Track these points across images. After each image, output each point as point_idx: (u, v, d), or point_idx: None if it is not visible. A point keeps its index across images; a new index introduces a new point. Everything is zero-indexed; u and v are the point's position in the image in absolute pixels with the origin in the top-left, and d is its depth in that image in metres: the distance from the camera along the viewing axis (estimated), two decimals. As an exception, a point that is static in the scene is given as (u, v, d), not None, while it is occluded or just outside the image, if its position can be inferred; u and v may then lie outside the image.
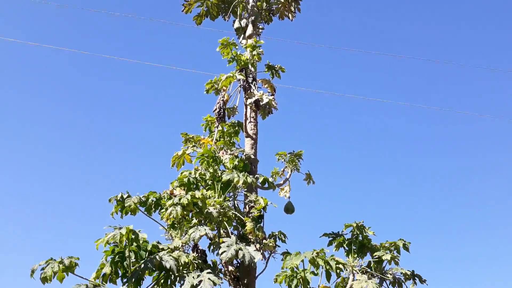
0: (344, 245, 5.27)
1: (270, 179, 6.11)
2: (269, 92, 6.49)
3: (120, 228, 4.03)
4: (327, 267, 4.06)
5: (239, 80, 6.24)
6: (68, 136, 21.39)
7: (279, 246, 5.42)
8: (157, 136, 22.19)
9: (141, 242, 4.30)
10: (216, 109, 6.19)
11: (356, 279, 4.58)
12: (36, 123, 20.83)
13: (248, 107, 6.32)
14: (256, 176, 5.86)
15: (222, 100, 6.21)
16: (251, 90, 6.26)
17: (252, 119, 6.39)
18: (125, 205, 4.82)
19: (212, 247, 5.14)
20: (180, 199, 4.57)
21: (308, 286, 4.03)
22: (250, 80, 6.34)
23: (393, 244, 5.17)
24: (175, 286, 4.74)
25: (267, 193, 5.74)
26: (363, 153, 22.36)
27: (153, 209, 5.47)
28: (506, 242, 19.43)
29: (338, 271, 4.16)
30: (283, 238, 5.56)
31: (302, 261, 3.99)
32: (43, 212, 19.67)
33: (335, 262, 4.04)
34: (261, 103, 6.22)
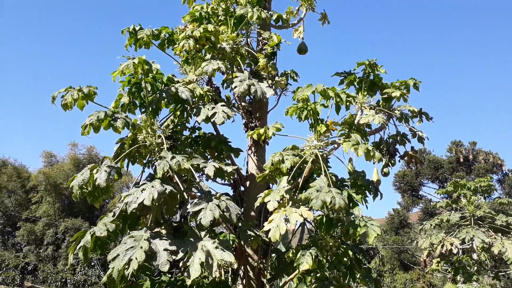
0: (355, 83, 5.34)
1: (284, 16, 5.97)
2: None
3: (133, 58, 4.08)
4: (337, 100, 4.18)
5: None
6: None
7: (290, 85, 5.54)
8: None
9: (155, 73, 4.39)
10: None
11: (364, 114, 4.74)
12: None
13: None
14: (270, 12, 5.71)
15: None
16: None
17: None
18: (138, 38, 4.82)
19: (225, 84, 5.27)
20: (192, 32, 4.54)
21: (318, 118, 4.19)
22: None
23: (403, 82, 5.22)
24: (191, 118, 5.00)
25: (281, 34, 5.66)
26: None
27: (166, 45, 5.49)
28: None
29: (347, 103, 4.30)
30: (295, 77, 5.64)
31: (313, 93, 4.10)
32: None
33: (345, 95, 4.14)
34: None
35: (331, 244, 3.99)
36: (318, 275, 3.78)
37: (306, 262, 3.69)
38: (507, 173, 33.53)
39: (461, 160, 33.81)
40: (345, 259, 4.04)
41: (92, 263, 32.14)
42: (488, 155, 34.05)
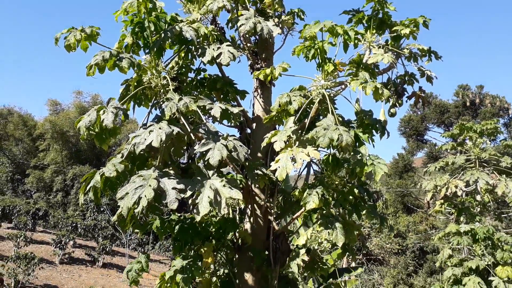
0: (363, 22, 5.20)
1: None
2: None
3: (137, -4, 3.97)
4: (346, 37, 4.08)
5: None
6: None
7: (297, 24, 5.41)
8: None
9: (159, 12, 4.28)
10: None
11: (373, 53, 4.65)
12: None
13: None
14: None
15: None
16: None
17: None
18: (140, -25, 4.65)
19: (230, 24, 5.14)
20: (196, -32, 4.38)
21: (325, 56, 4.11)
22: None
23: (412, 20, 5.07)
24: (196, 59, 4.93)
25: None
26: None
27: (169, -17, 5.32)
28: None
29: (356, 41, 4.20)
30: (302, 16, 5.49)
31: (321, 30, 4.00)
32: None
33: (354, 33, 4.05)
34: None
35: (337, 183, 4.04)
36: (324, 212, 3.85)
37: (312, 201, 3.75)
38: (514, 117, 33.35)
39: (468, 104, 33.56)
40: (350, 197, 4.10)
41: (102, 208, 32.96)
42: (495, 99, 33.74)
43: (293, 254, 4.33)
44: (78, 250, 24.93)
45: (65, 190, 41.70)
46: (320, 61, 4.20)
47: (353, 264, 18.53)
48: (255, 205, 4.63)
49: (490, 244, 9.60)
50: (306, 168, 5.02)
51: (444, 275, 9.54)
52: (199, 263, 4.11)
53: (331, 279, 7.56)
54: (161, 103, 4.15)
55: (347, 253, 4.33)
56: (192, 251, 4.31)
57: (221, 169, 4.53)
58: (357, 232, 3.97)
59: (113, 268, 23.62)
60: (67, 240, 22.61)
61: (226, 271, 4.85)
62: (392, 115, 5.31)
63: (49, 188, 42.46)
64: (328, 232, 3.62)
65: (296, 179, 5.50)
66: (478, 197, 10.97)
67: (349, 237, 3.84)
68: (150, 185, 3.44)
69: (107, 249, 23.91)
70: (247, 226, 4.67)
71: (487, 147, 12.07)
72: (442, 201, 11.34)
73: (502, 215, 14.28)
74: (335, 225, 3.67)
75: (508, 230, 13.49)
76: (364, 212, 4.07)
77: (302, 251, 4.22)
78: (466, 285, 8.94)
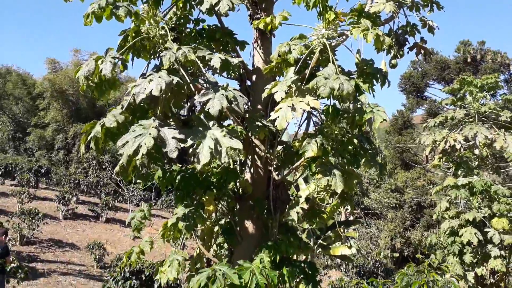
0: (366, -30, 5.07)
1: None
2: None
3: None
4: (347, -16, 4.00)
5: None
6: None
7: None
8: None
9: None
10: None
11: (375, 3, 4.56)
12: None
13: None
14: None
15: None
16: None
17: None
18: None
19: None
20: None
21: (326, 4, 4.04)
22: None
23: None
24: (194, 10, 4.84)
25: None
26: None
27: None
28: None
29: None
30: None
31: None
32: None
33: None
34: None
35: (336, 132, 4.06)
36: (323, 160, 3.89)
37: (311, 149, 3.78)
38: (515, 72, 33.07)
39: (469, 60, 33.16)
40: (350, 147, 4.13)
41: (104, 166, 33.23)
42: (496, 55, 33.31)
43: (293, 202, 4.41)
44: (81, 206, 25.33)
45: (67, 148, 41.91)
46: (321, 9, 4.14)
47: (351, 218, 18.90)
48: (255, 156, 4.67)
49: (487, 197, 9.77)
50: (306, 121, 5.03)
51: (441, 227, 9.76)
52: (201, 211, 4.20)
53: (329, 232, 7.71)
54: (160, 53, 4.12)
55: (346, 202, 4.41)
56: (194, 201, 4.38)
57: (221, 122, 4.54)
58: (356, 181, 4.03)
59: (116, 223, 24.08)
60: (70, 196, 22.92)
61: (227, 220, 4.96)
62: (393, 66, 5.27)
63: (50, 146, 42.66)
64: (328, 180, 3.68)
65: (296, 132, 5.53)
66: (477, 151, 11.05)
67: (348, 185, 3.91)
68: (150, 134, 3.46)
69: (110, 205, 24.29)
70: (248, 176, 4.73)
71: (486, 102, 12.05)
72: (440, 155, 11.44)
73: (500, 170, 14.42)
74: (334, 172, 3.72)
75: (505, 185, 13.66)
76: (363, 160, 4.11)
77: (302, 199, 4.30)
78: (463, 236, 9.15)
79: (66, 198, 22.26)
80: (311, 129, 4.86)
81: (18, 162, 29.86)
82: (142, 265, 9.70)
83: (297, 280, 4.79)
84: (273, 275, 3.84)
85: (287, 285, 4.70)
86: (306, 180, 9.86)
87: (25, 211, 16.66)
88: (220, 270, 3.73)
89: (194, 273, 4.66)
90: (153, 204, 32.60)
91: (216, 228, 4.96)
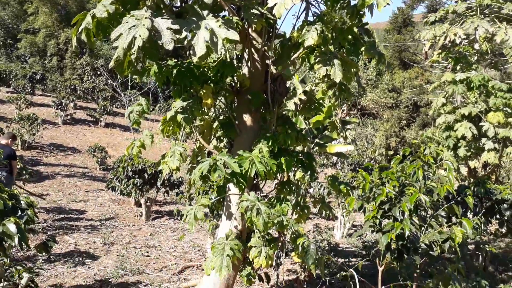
0: None
1: None
2: None
3: None
4: None
5: None
6: None
7: None
8: None
9: None
10: None
11: None
12: None
13: None
14: None
15: None
16: None
17: None
18: None
19: None
20: None
21: None
22: None
23: None
24: None
25: None
26: None
27: None
28: None
29: None
30: None
31: None
32: None
33: None
34: None
35: (336, 20, 3.94)
36: (322, 50, 3.82)
37: (311, 37, 3.69)
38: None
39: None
40: (349, 36, 4.03)
41: (99, 72, 32.82)
42: None
43: (291, 94, 4.41)
44: (79, 111, 25.43)
45: (60, 54, 41.12)
46: None
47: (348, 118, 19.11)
48: (252, 49, 4.57)
49: (484, 92, 9.76)
50: (304, 11, 4.85)
51: (437, 121, 9.86)
52: (199, 105, 4.20)
53: (326, 132, 7.82)
54: None
55: (344, 93, 4.40)
56: (192, 95, 4.37)
57: (216, 14, 4.37)
58: (354, 70, 3.99)
59: (116, 128, 24.36)
60: (67, 102, 22.90)
61: (226, 115, 4.99)
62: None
63: (43, 53, 41.83)
64: (327, 69, 3.64)
65: (294, 24, 5.36)
66: (476, 46, 10.86)
67: (347, 75, 3.88)
68: (143, 25, 3.35)
69: (108, 110, 24.38)
70: (245, 70, 4.67)
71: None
72: (440, 51, 11.25)
73: (498, 67, 14.30)
74: (334, 61, 3.66)
75: (504, 83, 13.60)
76: (363, 49, 4.03)
77: (300, 91, 4.29)
78: (458, 130, 9.28)
79: (63, 104, 22.27)
80: (310, 19, 4.71)
81: (11, 69, 29.41)
82: (144, 164, 9.96)
83: (295, 169, 4.95)
84: (272, 163, 3.94)
85: (285, 173, 4.87)
86: (303, 81, 9.79)
87: (24, 117, 16.74)
88: (221, 159, 3.83)
89: (195, 165, 4.79)
90: (151, 110, 32.74)
91: (215, 124, 5.01)
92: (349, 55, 4.06)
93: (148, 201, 10.08)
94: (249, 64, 4.62)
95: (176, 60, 4.48)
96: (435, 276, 4.03)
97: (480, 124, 9.42)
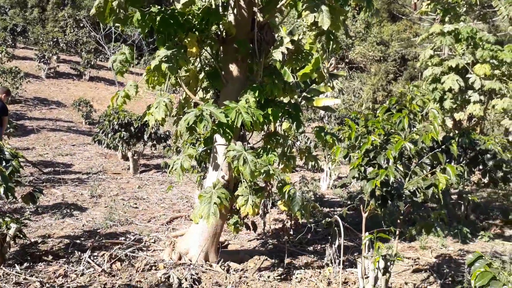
0: None
1: None
2: None
3: None
4: None
5: None
6: None
7: None
8: None
9: None
10: None
11: None
12: None
13: None
14: None
15: None
16: None
17: None
18: None
19: None
20: None
21: None
22: None
23: None
24: None
25: None
26: None
27: None
28: None
29: None
30: None
31: None
32: None
33: None
34: None
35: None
36: (310, -5, 3.72)
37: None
38: None
39: None
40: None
41: (82, 24, 31.85)
42: None
43: (277, 43, 4.33)
44: (63, 65, 24.87)
45: (41, 6, 39.68)
46: None
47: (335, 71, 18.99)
48: (238, -4, 4.44)
49: (472, 44, 9.71)
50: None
51: (424, 74, 9.84)
52: (184, 53, 4.11)
53: (314, 85, 7.76)
54: None
55: (331, 42, 4.33)
56: (177, 44, 4.27)
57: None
58: (342, 17, 3.92)
59: (100, 81, 23.95)
60: (50, 55, 22.32)
61: (212, 65, 4.91)
62: None
63: (23, 4, 40.32)
64: (314, 16, 3.56)
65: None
66: (466, -4, 10.71)
67: (335, 22, 3.81)
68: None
69: (92, 63, 23.88)
70: (231, 18, 4.56)
71: None
72: (429, 1, 11.09)
73: (487, 19, 14.18)
74: (321, 8, 3.58)
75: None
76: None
77: (287, 39, 4.21)
78: (445, 83, 9.29)
79: (46, 57, 21.73)
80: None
81: (-10, 21, 28.41)
82: (130, 117, 9.88)
83: (282, 120, 4.94)
84: (258, 114, 3.93)
85: (272, 124, 4.86)
86: (291, 33, 9.62)
87: (6, 70, 16.34)
88: (207, 109, 3.80)
89: (181, 116, 4.75)
90: (136, 63, 32.12)
91: (202, 74, 4.93)
92: (338, 1, 3.97)
93: (135, 155, 10.07)
94: (235, 11, 4.51)
95: (159, 7, 4.35)
96: (418, 222, 4.13)
97: (467, 76, 9.43)
